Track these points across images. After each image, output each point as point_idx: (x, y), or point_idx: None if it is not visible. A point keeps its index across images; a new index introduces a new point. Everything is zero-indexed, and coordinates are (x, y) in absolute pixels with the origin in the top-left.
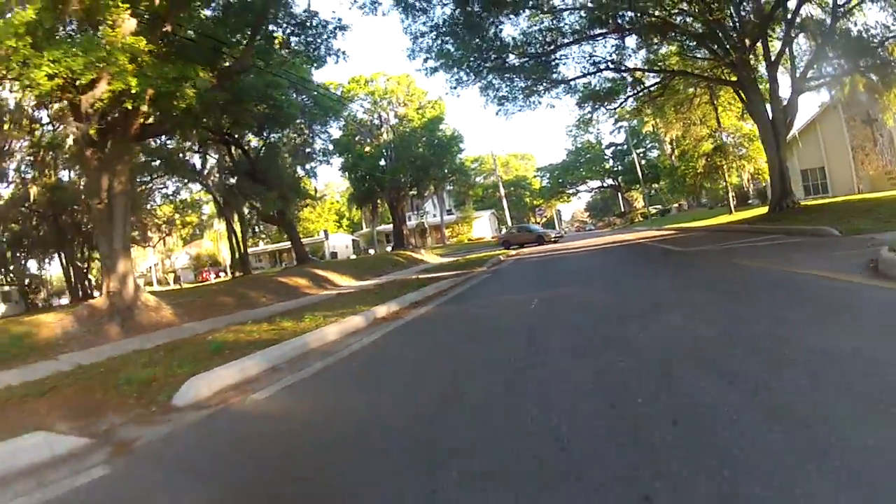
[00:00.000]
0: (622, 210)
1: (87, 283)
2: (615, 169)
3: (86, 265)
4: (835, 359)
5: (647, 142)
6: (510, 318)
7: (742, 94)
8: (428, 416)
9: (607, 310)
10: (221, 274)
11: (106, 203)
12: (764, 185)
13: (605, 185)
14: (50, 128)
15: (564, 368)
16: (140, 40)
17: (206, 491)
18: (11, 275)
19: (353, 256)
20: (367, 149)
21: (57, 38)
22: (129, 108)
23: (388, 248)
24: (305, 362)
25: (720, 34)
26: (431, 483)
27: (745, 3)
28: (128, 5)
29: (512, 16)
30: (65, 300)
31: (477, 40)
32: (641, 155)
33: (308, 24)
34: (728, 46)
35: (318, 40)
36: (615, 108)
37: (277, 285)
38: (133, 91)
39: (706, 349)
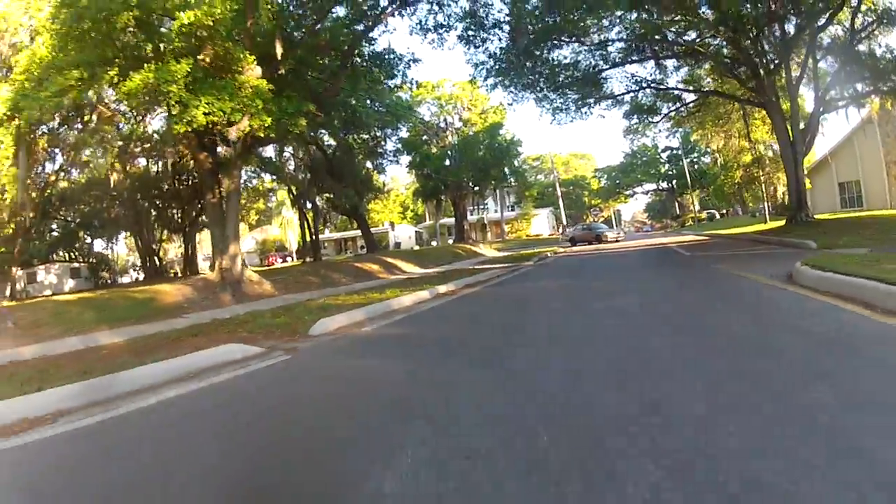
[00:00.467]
0: (676, 213)
1: (157, 260)
2: (670, 172)
3: (157, 245)
4: (709, 326)
5: (699, 148)
6: (535, 295)
7: (767, 114)
8: (473, 334)
9: (599, 291)
10: (288, 259)
11: (219, 197)
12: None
13: (660, 188)
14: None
15: (558, 317)
16: (263, 82)
17: (349, 361)
18: (78, 252)
19: (416, 247)
20: (434, 149)
21: (206, 84)
22: (261, 134)
23: (450, 241)
24: (392, 315)
25: (744, 60)
26: (491, 347)
27: (767, 31)
28: (254, 57)
29: (557, 48)
30: (126, 278)
31: (529, 64)
32: (695, 160)
33: (386, 58)
34: (751, 71)
35: (395, 71)
36: (658, 121)
37: (353, 269)
38: (266, 125)
39: (634, 311)
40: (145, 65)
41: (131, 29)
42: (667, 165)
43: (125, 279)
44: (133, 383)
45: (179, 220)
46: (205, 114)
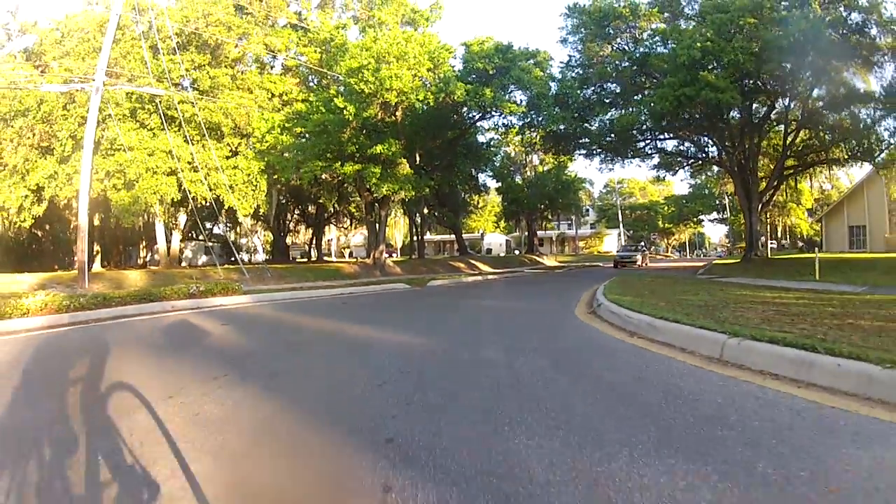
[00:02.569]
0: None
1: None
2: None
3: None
4: (516, 328)
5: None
6: (533, 283)
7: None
8: (478, 289)
9: (533, 289)
10: (393, 255)
11: (376, 216)
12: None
13: (718, 217)
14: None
15: (506, 291)
16: (409, 171)
17: (438, 292)
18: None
19: (501, 255)
20: (519, 180)
21: (386, 173)
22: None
23: (517, 251)
24: (464, 281)
25: (717, 138)
26: (473, 293)
27: (733, 116)
28: (404, 160)
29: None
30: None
31: (578, 127)
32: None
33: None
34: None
35: (484, 151)
36: (675, 173)
37: (447, 265)
38: (410, 193)
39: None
40: (351, 162)
41: (348, 139)
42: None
43: (247, 257)
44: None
45: (314, 217)
46: (387, 188)
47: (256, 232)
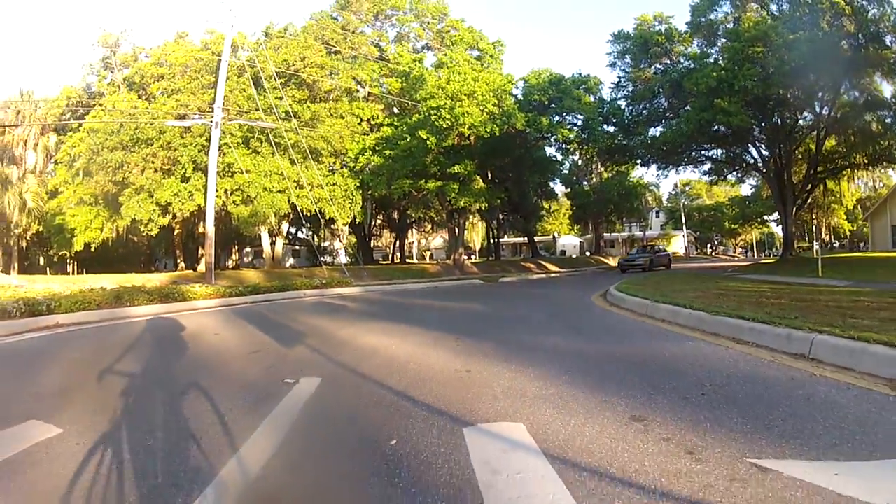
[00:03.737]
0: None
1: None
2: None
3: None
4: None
5: None
6: (582, 279)
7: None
8: (557, 281)
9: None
10: (472, 256)
11: (454, 225)
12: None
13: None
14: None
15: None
16: (483, 185)
17: (510, 285)
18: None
19: (575, 256)
20: (586, 187)
21: (465, 188)
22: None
23: (587, 253)
24: (529, 278)
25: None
26: (534, 284)
27: (761, 128)
28: (478, 176)
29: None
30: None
31: (630, 141)
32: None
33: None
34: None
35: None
36: (723, 178)
37: (519, 266)
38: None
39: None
40: (433, 179)
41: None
42: None
43: (330, 259)
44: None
45: (398, 222)
46: (464, 201)
47: (339, 236)
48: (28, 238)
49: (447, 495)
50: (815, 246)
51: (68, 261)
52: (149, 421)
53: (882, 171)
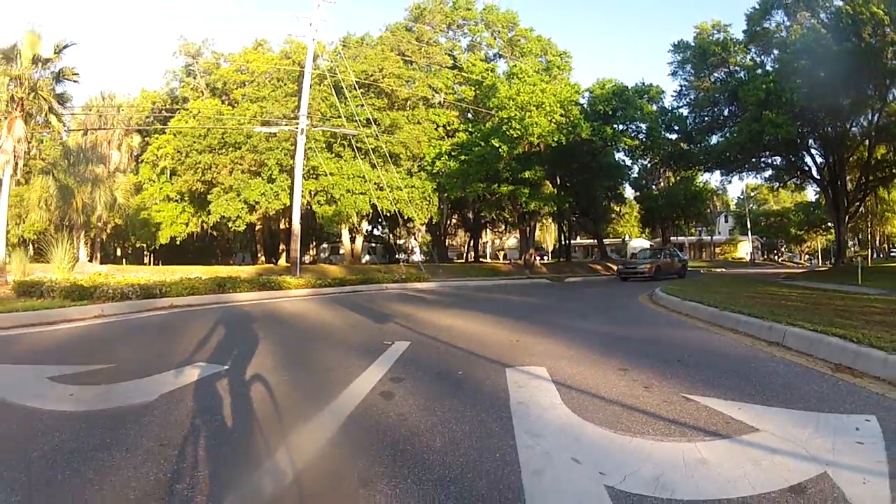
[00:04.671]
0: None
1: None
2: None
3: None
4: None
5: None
6: (641, 281)
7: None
8: (617, 282)
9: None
10: (544, 257)
11: (525, 227)
12: None
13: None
14: None
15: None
16: (553, 190)
17: (568, 284)
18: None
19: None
20: (655, 191)
21: (536, 192)
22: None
23: None
24: (594, 279)
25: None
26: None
27: (823, 128)
28: (547, 181)
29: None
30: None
31: (694, 148)
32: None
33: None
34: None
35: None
36: (782, 185)
37: (587, 267)
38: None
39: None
40: (505, 184)
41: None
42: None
43: (405, 257)
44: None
45: (472, 222)
46: (534, 205)
47: (416, 235)
48: (107, 231)
49: (490, 396)
50: (858, 255)
51: (145, 253)
52: (288, 363)
53: None
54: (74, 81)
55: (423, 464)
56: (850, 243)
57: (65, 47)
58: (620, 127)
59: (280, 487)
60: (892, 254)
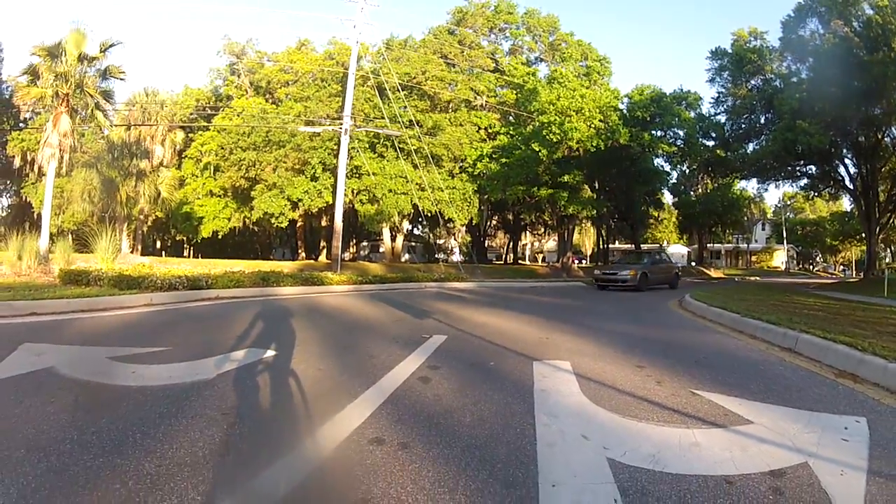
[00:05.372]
0: None
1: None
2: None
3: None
4: (622, 310)
5: None
6: (686, 288)
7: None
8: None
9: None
10: (583, 261)
11: (564, 230)
12: None
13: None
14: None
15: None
16: (591, 194)
17: (590, 287)
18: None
19: (681, 265)
20: (693, 196)
21: (574, 195)
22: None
23: (692, 263)
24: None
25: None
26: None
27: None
28: (586, 186)
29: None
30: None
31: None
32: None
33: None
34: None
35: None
36: (820, 193)
37: None
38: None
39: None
40: (545, 187)
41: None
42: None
43: (444, 257)
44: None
45: (511, 224)
46: (573, 208)
47: (455, 235)
48: (148, 223)
49: (517, 383)
50: (889, 266)
51: (185, 246)
52: (334, 350)
53: None
54: (121, 79)
55: (453, 434)
56: (883, 254)
57: (110, 46)
58: (658, 133)
59: (332, 447)
60: None
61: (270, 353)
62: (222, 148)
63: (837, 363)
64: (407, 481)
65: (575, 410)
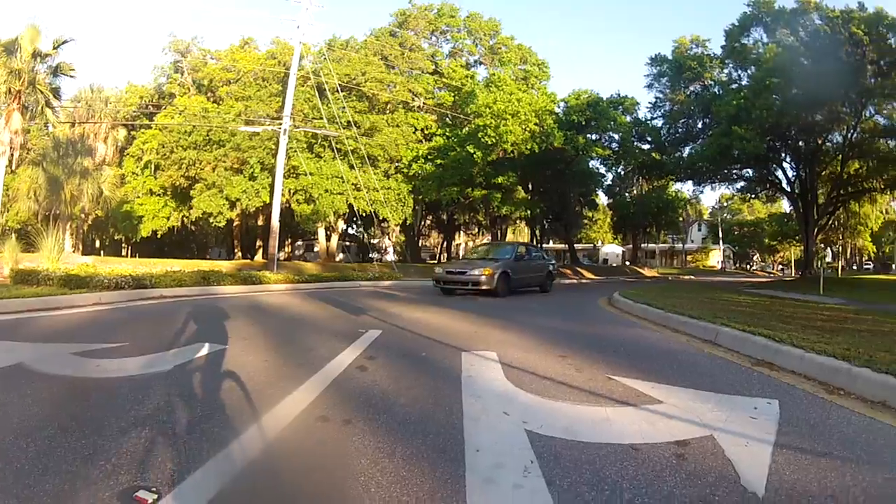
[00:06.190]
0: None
1: (450, 251)
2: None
3: (445, 243)
4: (549, 310)
5: None
6: (603, 285)
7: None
8: (581, 287)
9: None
10: None
11: (497, 230)
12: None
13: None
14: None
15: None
16: (525, 196)
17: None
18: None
19: (616, 264)
20: (628, 197)
21: (508, 197)
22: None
23: (627, 263)
24: (561, 282)
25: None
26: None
27: (795, 143)
28: (520, 187)
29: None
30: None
31: (668, 159)
32: None
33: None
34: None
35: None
36: (754, 197)
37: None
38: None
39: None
40: (479, 188)
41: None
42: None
43: (378, 256)
44: None
45: (445, 224)
46: (506, 209)
47: (389, 235)
48: (88, 222)
49: (446, 370)
50: (829, 266)
51: (123, 245)
52: (279, 343)
53: None
54: (71, 76)
55: (390, 412)
56: (823, 254)
57: (63, 43)
58: (593, 137)
59: (285, 424)
60: (865, 266)
61: (221, 346)
62: (163, 146)
63: (756, 353)
64: (351, 449)
65: (498, 392)
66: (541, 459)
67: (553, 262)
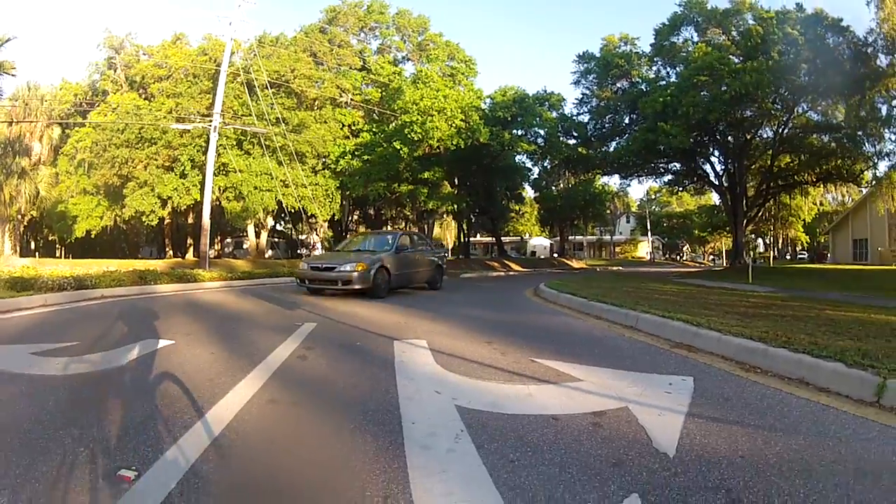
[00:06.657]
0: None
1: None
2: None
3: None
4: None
5: None
6: (531, 277)
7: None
8: (509, 278)
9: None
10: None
11: (424, 224)
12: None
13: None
14: None
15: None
16: (452, 191)
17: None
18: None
19: (544, 257)
20: (555, 191)
21: (435, 192)
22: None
23: (555, 255)
24: (489, 275)
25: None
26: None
27: (724, 138)
28: (446, 182)
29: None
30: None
31: (595, 154)
32: None
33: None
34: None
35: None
36: (682, 190)
37: (483, 264)
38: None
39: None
40: (405, 183)
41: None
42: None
43: (307, 252)
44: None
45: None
46: (433, 204)
47: (318, 230)
48: (24, 224)
49: (380, 357)
50: (761, 256)
51: (57, 246)
52: (222, 338)
53: (849, 187)
54: (12, 75)
55: (332, 394)
56: (754, 244)
57: (7, 41)
58: (520, 132)
59: (238, 408)
60: (799, 256)
61: (168, 341)
62: (97, 144)
63: (674, 337)
64: (301, 424)
65: (429, 375)
66: (470, 429)
67: (444, 253)
